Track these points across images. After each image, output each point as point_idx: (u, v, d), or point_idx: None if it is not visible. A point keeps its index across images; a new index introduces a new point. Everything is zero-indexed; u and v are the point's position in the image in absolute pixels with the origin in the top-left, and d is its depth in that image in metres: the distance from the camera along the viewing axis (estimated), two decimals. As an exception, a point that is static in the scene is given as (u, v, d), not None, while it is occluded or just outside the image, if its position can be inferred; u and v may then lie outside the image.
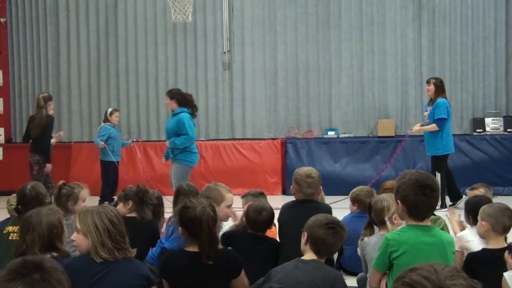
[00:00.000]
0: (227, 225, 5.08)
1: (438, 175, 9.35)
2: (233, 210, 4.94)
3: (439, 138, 9.55)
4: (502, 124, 11.74)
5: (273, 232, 5.25)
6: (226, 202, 4.60)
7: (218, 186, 4.74)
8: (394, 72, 12.31)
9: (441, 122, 9.48)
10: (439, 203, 8.82)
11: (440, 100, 9.59)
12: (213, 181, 4.95)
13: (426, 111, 9.90)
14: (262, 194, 5.64)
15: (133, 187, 5.36)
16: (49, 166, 9.02)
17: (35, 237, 3.61)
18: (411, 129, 10.20)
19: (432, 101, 9.75)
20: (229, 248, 3.81)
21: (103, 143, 10.13)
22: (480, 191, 5.55)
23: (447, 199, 9.78)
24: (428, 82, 9.94)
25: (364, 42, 12.39)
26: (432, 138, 9.65)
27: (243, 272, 3.70)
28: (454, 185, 9.76)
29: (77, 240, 3.38)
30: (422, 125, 9.89)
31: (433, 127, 9.53)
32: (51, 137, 9.39)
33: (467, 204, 4.85)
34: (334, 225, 3.53)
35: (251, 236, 4.71)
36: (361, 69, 12.40)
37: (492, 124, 11.76)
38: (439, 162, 9.55)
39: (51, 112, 9.25)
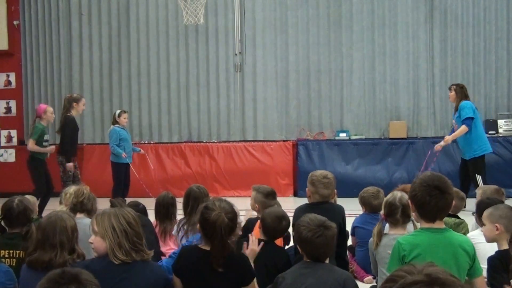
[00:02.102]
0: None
1: (479, 178, 9.30)
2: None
3: (473, 140, 9.46)
4: (514, 126, 11.69)
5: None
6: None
7: None
8: (406, 74, 12.27)
9: (468, 121, 9.38)
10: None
11: (463, 102, 9.53)
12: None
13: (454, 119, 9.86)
14: (273, 194, 5.55)
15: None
16: (68, 166, 9.20)
17: (64, 241, 3.64)
18: (439, 145, 9.85)
19: (456, 107, 9.70)
20: (244, 255, 3.79)
21: (125, 154, 10.12)
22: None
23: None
24: (449, 88, 9.93)
25: (376, 44, 12.37)
26: (466, 141, 9.53)
27: (255, 282, 3.69)
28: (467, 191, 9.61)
29: (95, 242, 3.40)
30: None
31: (462, 129, 9.39)
32: (74, 137, 9.59)
33: (479, 205, 4.79)
34: (318, 230, 3.46)
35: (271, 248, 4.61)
36: (372, 70, 12.37)
37: (505, 126, 11.69)
38: (477, 164, 9.44)
39: (74, 113, 9.48)
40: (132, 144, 10.91)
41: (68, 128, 9.38)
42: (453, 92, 9.72)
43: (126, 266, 3.30)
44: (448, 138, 9.70)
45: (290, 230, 5.59)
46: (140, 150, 11.14)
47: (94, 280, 2.18)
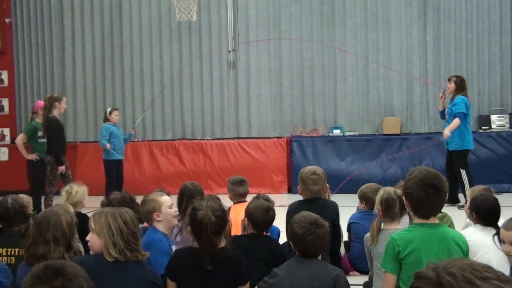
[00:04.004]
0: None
1: (463, 172, 9.40)
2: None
3: (458, 134, 9.54)
4: (508, 121, 11.70)
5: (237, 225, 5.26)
6: (165, 204, 4.55)
7: (149, 196, 4.69)
8: (399, 70, 12.27)
9: (461, 115, 9.47)
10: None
11: (458, 97, 9.59)
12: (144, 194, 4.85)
13: (447, 108, 9.88)
14: (240, 182, 5.86)
15: (118, 194, 5.34)
16: (60, 169, 9.04)
17: (59, 236, 3.64)
18: (444, 135, 9.97)
19: (452, 99, 9.77)
20: (239, 253, 3.78)
21: (109, 145, 10.13)
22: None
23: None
24: (449, 79, 9.96)
25: (369, 40, 12.38)
26: (452, 133, 9.61)
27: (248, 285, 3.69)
28: (456, 188, 9.67)
29: (91, 240, 3.42)
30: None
31: (456, 122, 9.48)
32: (61, 137, 9.45)
33: (473, 201, 4.78)
34: (310, 228, 3.52)
35: (250, 237, 4.66)
36: (366, 67, 12.38)
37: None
38: (459, 159, 9.55)
39: (56, 112, 9.27)
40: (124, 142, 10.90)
41: (53, 129, 9.17)
42: (452, 84, 9.76)
43: (121, 266, 3.31)
44: (446, 132, 9.69)
45: (283, 228, 5.66)
46: (131, 135, 11.06)
47: (80, 272, 2.05)
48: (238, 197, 5.83)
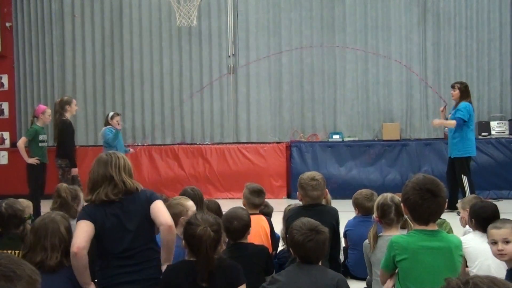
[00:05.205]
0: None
1: (464, 178, 9.43)
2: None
3: (460, 141, 9.58)
4: (507, 128, 11.70)
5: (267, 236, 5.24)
6: (191, 209, 4.55)
7: (176, 199, 4.69)
8: (399, 76, 12.29)
9: (460, 120, 9.51)
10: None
11: (462, 103, 9.61)
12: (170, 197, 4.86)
13: (450, 114, 9.89)
14: (258, 192, 5.59)
15: None
16: (74, 170, 9.14)
17: (56, 242, 3.67)
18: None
19: (455, 105, 9.80)
20: (235, 263, 3.74)
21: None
22: None
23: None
24: (452, 86, 9.93)
25: (369, 46, 12.38)
26: (453, 140, 9.69)
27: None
28: (456, 194, 9.66)
29: None
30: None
31: (452, 122, 9.60)
32: (73, 141, 9.57)
33: (472, 208, 4.78)
34: (310, 235, 3.50)
35: (233, 248, 4.54)
36: (365, 72, 12.39)
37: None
38: (461, 165, 9.57)
39: (69, 115, 9.34)
40: (125, 146, 10.89)
41: (68, 132, 9.29)
42: (457, 91, 9.74)
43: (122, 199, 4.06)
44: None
45: (278, 232, 5.64)
46: (129, 150, 11.06)
47: (7, 262, 1.85)
48: (251, 207, 5.51)
